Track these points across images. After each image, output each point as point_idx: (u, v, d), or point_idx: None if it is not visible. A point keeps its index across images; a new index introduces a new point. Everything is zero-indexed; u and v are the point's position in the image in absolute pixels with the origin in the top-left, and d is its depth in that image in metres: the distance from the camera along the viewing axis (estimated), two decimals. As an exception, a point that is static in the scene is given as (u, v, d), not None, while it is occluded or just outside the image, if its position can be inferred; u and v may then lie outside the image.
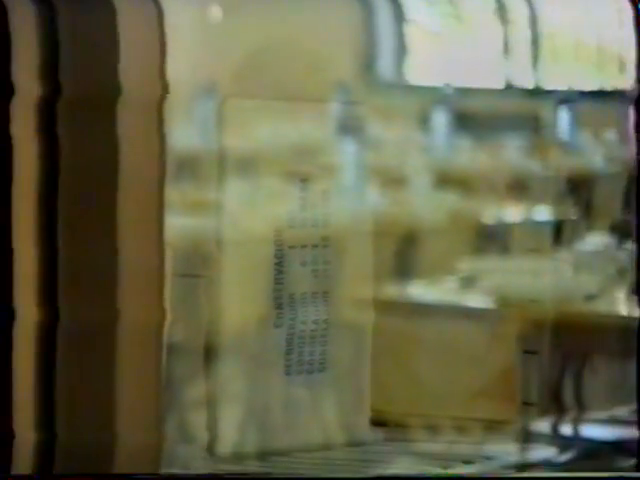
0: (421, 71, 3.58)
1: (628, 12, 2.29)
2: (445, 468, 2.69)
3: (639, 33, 2.25)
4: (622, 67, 2.65)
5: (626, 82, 2.68)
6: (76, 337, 2.03)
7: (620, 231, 2.62)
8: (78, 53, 2.02)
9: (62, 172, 2.01)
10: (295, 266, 2.74)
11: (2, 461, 2.00)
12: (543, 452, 2.80)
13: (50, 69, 2.01)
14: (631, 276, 2.60)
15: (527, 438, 2.79)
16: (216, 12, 2.69)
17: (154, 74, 2.08)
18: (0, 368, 1.96)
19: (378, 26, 3.76)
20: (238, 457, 2.61)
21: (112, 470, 2.07)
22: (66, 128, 2.02)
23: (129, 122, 2.05)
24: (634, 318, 2.54)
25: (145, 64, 2.09)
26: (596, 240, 2.84)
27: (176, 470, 2.40)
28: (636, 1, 2.39)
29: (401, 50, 3.84)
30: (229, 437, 2.64)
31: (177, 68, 2.47)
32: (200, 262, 2.66)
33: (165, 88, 2.14)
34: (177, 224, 2.54)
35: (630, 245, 2.59)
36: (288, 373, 2.68)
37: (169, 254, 2.07)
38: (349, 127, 3.06)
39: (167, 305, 2.14)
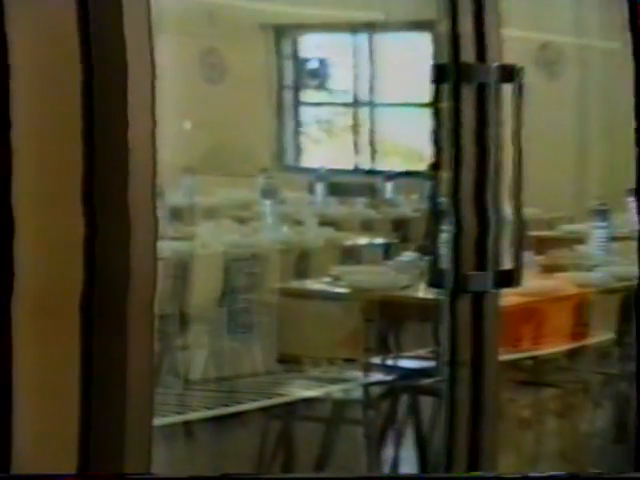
0: (309, 159, 3.56)
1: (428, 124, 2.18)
2: (321, 387, 2.63)
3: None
4: (421, 158, 2.56)
5: (423, 166, 2.58)
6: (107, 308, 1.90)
7: (421, 250, 2.53)
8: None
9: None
10: (236, 271, 2.67)
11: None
12: (377, 376, 2.74)
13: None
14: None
15: (368, 368, 2.72)
16: (187, 125, 2.62)
17: (150, 162, 1.93)
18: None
19: (285, 135, 3.72)
20: (202, 382, 2.52)
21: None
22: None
23: (136, 194, 1.89)
24: (430, 299, 2.43)
25: (144, 159, 1.93)
26: (408, 255, 2.79)
27: (163, 391, 2.30)
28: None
29: (299, 149, 3.82)
30: (197, 370, 2.55)
31: (167, 158, 2.40)
32: (181, 268, 2.57)
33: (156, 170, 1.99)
34: (169, 246, 2.46)
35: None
36: (229, 332, 2.60)
37: (161, 264, 1.93)
38: (268, 192, 3.00)
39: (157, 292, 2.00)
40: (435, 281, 2.10)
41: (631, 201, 3.03)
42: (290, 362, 2.69)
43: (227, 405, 2.44)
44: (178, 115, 2.64)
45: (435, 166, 2.12)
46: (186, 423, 2.39)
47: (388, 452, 2.80)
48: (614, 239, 2.85)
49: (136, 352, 1.91)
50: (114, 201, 1.85)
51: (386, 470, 2.72)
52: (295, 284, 2.84)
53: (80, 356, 1.77)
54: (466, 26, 2.07)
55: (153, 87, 1.75)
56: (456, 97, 2.09)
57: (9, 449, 1.60)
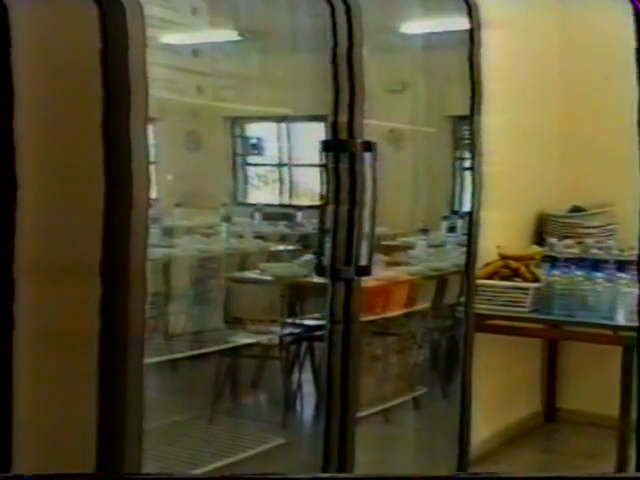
0: (252, 198, 3.50)
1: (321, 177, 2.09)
2: (254, 337, 2.55)
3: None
4: (318, 198, 2.45)
5: (319, 203, 2.45)
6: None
7: (315, 253, 2.42)
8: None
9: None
10: (201, 267, 2.59)
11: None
12: (288, 330, 2.67)
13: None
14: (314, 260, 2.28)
15: (283, 325, 2.66)
16: (170, 177, 2.52)
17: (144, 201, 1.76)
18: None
19: (238, 184, 3.65)
20: (181, 335, 2.42)
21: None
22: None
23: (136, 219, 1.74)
24: (320, 283, 2.33)
25: (142, 198, 1.76)
26: (307, 256, 2.71)
27: (155, 342, 2.19)
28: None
29: (246, 192, 3.75)
30: (178, 327, 2.45)
31: (165, 197, 2.34)
32: (167, 265, 2.47)
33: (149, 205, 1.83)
34: (160, 251, 2.36)
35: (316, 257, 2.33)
36: (197, 304, 2.51)
37: (149, 263, 1.79)
38: (225, 218, 2.91)
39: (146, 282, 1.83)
40: (321, 272, 2.10)
41: (443, 224, 3.04)
42: (235, 322, 2.62)
43: (196, 349, 2.37)
44: (170, 171, 2.58)
45: (325, 203, 2.10)
46: (170, 361, 2.31)
47: (295, 377, 2.74)
48: (431, 246, 2.85)
49: (135, 317, 1.79)
50: (120, 224, 1.73)
51: (293, 386, 2.65)
52: (238, 274, 2.76)
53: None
54: (343, 118, 2.07)
55: (147, 161, 1.66)
56: (336, 161, 2.08)
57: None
